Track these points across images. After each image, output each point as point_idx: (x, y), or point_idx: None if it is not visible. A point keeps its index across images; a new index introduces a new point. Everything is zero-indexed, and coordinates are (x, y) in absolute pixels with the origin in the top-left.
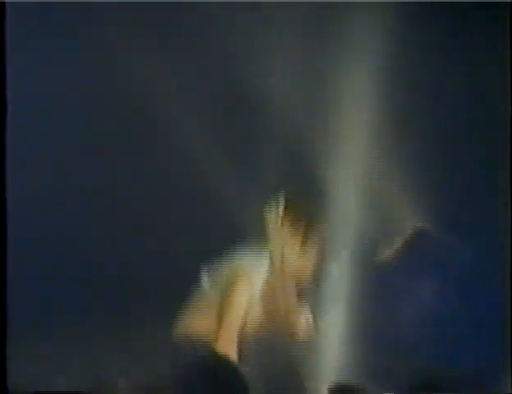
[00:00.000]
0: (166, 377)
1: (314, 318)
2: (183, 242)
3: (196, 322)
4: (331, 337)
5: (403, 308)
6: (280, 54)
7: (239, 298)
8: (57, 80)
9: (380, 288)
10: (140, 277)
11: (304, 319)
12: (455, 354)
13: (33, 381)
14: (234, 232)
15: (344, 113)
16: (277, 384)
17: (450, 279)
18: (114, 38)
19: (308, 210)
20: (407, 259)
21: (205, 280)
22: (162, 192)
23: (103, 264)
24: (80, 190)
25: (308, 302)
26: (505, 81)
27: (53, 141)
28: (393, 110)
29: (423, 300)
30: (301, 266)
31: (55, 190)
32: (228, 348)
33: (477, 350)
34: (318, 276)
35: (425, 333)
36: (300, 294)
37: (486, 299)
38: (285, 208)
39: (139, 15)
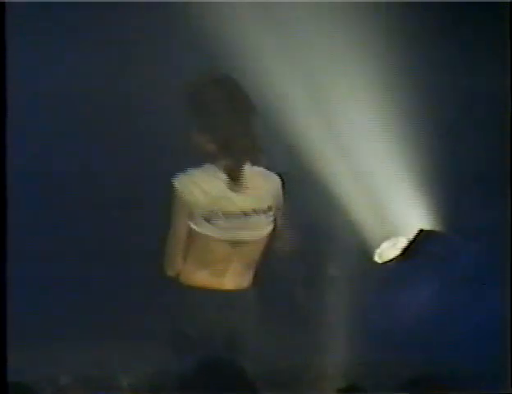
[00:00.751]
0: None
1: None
2: None
3: None
4: (334, 338)
5: (405, 306)
6: (280, 53)
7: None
8: (57, 80)
9: (383, 287)
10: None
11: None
12: (455, 352)
13: (35, 380)
14: None
15: (346, 112)
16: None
17: (452, 280)
18: (114, 37)
19: None
20: (411, 260)
21: None
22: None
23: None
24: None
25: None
26: (504, 81)
27: (53, 141)
28: (394, 110)
29: (425, 299)
30: None
31: (54, 190)
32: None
33: (477, 350)
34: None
35: (426, 332)
36: None
37: (488, 300)
38: None
39: (139, 14)
